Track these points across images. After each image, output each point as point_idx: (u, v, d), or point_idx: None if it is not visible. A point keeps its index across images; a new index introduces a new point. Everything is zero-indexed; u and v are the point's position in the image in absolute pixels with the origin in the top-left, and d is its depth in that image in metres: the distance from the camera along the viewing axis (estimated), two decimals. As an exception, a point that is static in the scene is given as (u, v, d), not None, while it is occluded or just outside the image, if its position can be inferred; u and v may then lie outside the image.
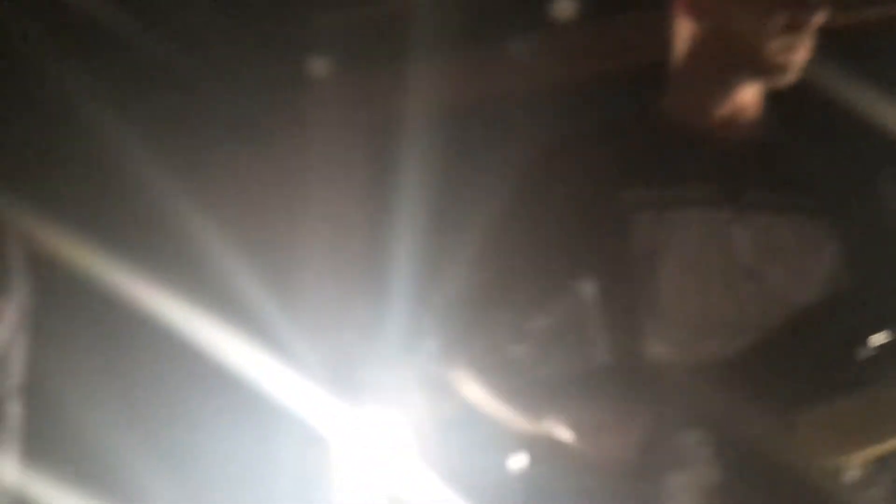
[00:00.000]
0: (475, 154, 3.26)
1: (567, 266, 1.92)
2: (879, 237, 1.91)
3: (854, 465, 1.68)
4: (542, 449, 1.83)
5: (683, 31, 1.94)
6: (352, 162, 3.49)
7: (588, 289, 1.90)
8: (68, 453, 2.65)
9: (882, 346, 1.71)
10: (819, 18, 1.83)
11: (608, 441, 1.74)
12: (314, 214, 3.43)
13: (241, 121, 3.53)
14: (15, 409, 2.13)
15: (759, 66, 1.87)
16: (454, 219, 3.10)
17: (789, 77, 1.87)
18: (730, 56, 1.88)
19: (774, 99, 1.95)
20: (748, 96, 1.92)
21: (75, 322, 3.15)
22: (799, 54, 1.84)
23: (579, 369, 1.90)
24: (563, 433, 1.77)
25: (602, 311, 1.89)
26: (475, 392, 1.94)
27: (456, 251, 2.36)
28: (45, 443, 2.33)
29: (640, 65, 2.82)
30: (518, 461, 1.85)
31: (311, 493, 3.19)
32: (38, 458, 2.31)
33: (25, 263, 2.28)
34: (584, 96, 3.20)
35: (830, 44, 1.89)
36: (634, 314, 1.85)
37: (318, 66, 3.51)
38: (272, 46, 3.46)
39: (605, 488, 1.74)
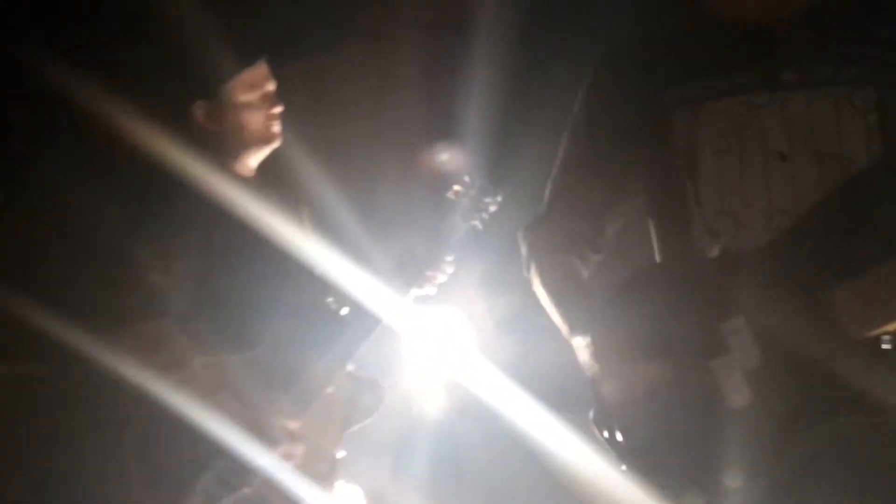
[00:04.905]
0: (572, 29, 3.38)
1: (628, 171, 2.00)
2: None
3: (891, 335, 1.75)
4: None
5: None
6: (426, 69, 3.64)
7: (645, 191, 2.00)
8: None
9: None
10: None
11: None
12: (389, 124, 3.63)
13: (312, 29, 3.72)
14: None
15: None
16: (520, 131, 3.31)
17: None
18: None
19: None
20: None
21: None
22: None
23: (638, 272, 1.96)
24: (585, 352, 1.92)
25: (652, 212, 1.99)
26: (543, 295, 2.09)
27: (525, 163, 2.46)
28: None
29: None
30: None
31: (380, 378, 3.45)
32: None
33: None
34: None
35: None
36: (680, 211, 1.90)
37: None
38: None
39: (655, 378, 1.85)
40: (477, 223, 2.82)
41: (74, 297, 2.70)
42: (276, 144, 2.80)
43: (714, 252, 1.86)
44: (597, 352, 1.92)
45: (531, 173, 3.25)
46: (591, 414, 1.95)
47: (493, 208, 2.82)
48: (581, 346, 1.96)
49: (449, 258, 2.85)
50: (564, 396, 3.15)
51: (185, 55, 2.74)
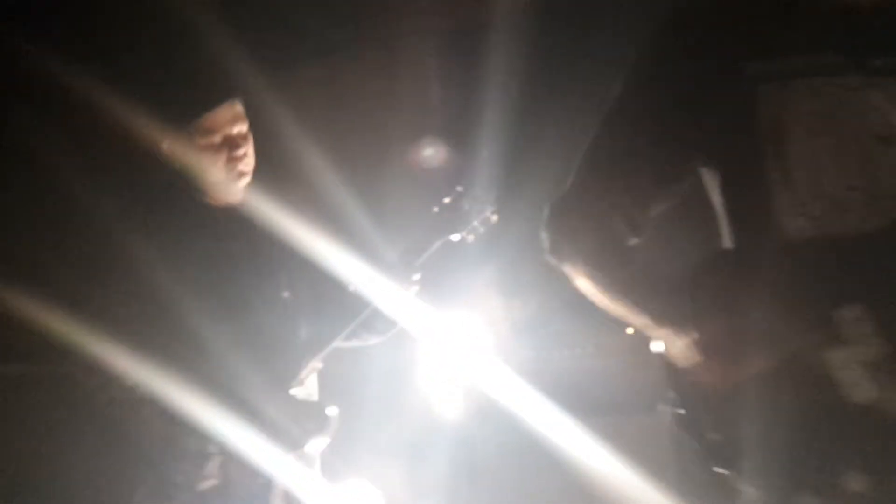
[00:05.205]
0: (581, 39, 3.32)
1: (688, 147, 1.85)
2: None
3: None
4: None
5: None
6: (436, 72, 3.65)
7: (710, 169, 1.86)
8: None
9: None
10: None
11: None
12: (398, 124, 3.64)
13: (328, 34, 3.75)
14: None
15: None
16: (554, 114, 3.29)
17: None
18: None
19: None
20: None
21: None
22: None
23: (701, 254, 1.83)
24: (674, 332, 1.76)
25: (726, 190, 1.85)
26: (587, 285, 1.89)
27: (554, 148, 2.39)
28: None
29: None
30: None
31: (398, 382, 3.49)
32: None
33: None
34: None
35: None
36: (764, 191, 1.77)
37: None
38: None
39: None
40: (469, 236, 2.75)
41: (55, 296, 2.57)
42: (244, 182, 2.67)
43: (807, 235, 1.74)
44: (694, 342, 1.76)
45: (542, 180, 3.28)
46: (674, 410, 1.80)
47: (492, 220, 2.76)
48: (670, 337, 1.80)
49: (415, 276, 2.75)
50: (581, 400, 3.17)
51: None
